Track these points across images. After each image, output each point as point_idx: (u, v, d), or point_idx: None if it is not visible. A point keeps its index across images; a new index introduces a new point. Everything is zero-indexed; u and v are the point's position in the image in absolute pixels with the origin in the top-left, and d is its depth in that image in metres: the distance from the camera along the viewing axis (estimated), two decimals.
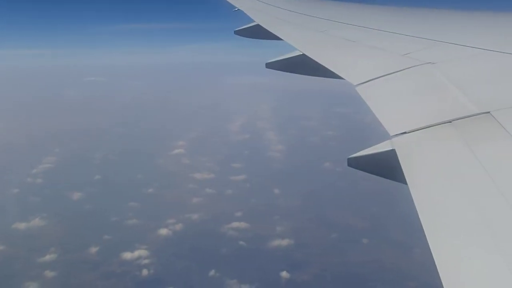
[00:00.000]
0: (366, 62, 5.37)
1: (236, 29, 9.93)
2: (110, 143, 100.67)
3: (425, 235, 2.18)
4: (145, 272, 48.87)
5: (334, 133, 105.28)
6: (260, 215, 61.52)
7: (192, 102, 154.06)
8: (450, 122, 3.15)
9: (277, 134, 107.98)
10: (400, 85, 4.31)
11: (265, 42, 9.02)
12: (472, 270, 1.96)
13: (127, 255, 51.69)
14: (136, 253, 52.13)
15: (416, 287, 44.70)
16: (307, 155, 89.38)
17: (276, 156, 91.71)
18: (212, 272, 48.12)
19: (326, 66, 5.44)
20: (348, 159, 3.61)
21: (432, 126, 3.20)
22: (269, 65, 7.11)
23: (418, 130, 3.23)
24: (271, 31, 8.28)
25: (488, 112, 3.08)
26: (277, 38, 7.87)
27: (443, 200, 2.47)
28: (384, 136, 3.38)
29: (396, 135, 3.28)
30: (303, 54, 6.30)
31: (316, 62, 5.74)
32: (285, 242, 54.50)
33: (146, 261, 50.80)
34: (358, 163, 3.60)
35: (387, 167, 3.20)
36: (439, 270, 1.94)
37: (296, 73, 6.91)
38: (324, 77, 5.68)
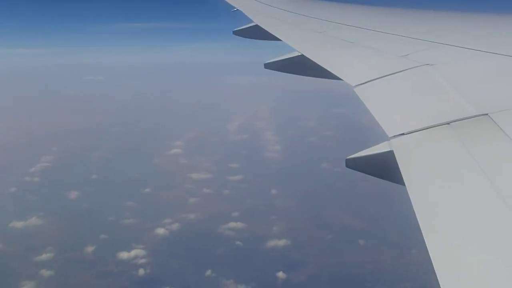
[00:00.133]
0: (365, 63, 5.38)
1: (235, 29, 9.94)
2: (108, 143, 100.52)
3: (422, 237, 2.18)
4: (141, 271, 48.84)
5: (332, 134, 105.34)
6: (257, 215, 61.51)
7: (191, 101, 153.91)
8: (448, 123, 3.15)
9: (275, 135, 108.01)
10: (399, 87, 4.32)
11: (263, 43, 9.03)
12: (470, 272, 1.96)
13: (124, 255, 51.64)
14: (133, 252, 52.09)
15: None
16: (305, 156, 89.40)
17: (274, 157, 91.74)
18: (208, 272, 48.11)
19: (325, 67, 5.45)
20: (346, 160, 3.61)
21: (430, 127, 3.20)
22: (268, 66, 7.12)
23: (416, 131, 3.23)
24: (269, 31, 8.29)
25: (486, 114, 3.08)
26: (276, 39, 7.88)
27: (441, 201, 2.47)
28: (382, 137, 3.39)
29: (394, 136, 3.28)
30: (302, 55, 6.31)
31: (315, 63, 5.74)
32: (282, 242, 54.51)
33: (142, 260, 50.76)
34: (356, 164, 3.60)
35: (385, 168, 3.20)
36: (436, 272, 1.94)
37: (294, 74, 6.92)
38: (323, 78, 5.69)
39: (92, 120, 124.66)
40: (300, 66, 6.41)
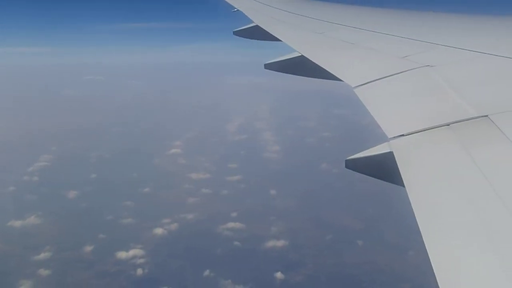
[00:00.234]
0: (365, 64, 5.38)
1: (235, 29, 9.94)
2: (107, 142, 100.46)
3: (420, 238, 2.18)
4: (139, 271, 48.79)
5: (332, 135, 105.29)
6: (256, 215, 61.49)
7: (190, 102, 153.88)
8: (448, 125, 3.15)
9: (274, 135, 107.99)
10: (399, 88, 4.32)
11: (263, 43, 9.03)
12: (469, 273, 1.96)
13: (122, 254, 51.60)
14: (131, 252, 52.05)
15: None
16: (304, 156, 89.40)
17: (273, 157, 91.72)
18: (206, 272, 48.07)
19: (325, 68, 5.45)
20: (346, 160, 3.61)
21: (430, 129, 3.20)
22: (268, 66, 7.12)
23: (416, 132, 3.23)
24: (269, 32, 8.29)
25: (486, 116, 3.08)
26: (276, 39, 7.88)
27: (440, 203, 2.47)
28: (382, 138, 3.39)
29: (394, 137, 3.29)
30: (302, 56, 6.31)
31: (315, 64, 5.75)
32: (280, 243, 54.49)
33: (141, 260, 50.72)
34: (355, 165, 3.60)
35: (384, 169, 3.20)
36: (436, 273, 1.94)
37: (294, 74, 6.92)
38: (323, 78, 5.69)
39: (92, 119, 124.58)
40: (300, 66, 6.41)
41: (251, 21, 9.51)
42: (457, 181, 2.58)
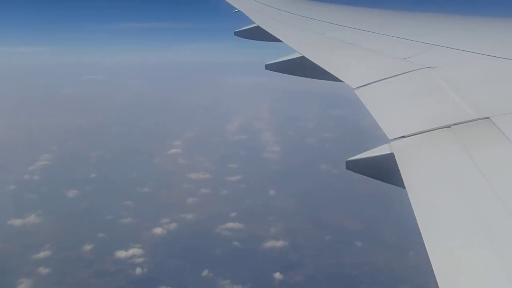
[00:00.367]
0: (366, 65, 5.37)
1: (236, 30, 9.93)
2: (107, 142, 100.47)
3: (420, 239, 2.18)
4: (138, 270, 48.80)
5: (332, 136, 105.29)
6: (255, 216, 61.50)
7: (191, 102, 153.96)
8: (449, 127, 3.15)
9: (274, 135, 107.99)
10: (399, 89, 4.31)
11: (264, 44, 9.03)
12: (470, 275, 1.96)
13: (121, 254, 51.60)
14: (130, 251, 52.06)
15: None
16: (304, 157, 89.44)
17: (273, 157, 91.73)
18: (205, 272, 48.07)
19: (326, 69, 5.44)
20: (347, 162, 3.61)
21: (431, 130, 3.20)
22: (269, 67, 7.11)
23: (417, 134, 3.23)
24: (270, 32, 8.29)
25: (488, 118, 3.08)
26: (277, 40, 7.88)
27: (441, 204, 2.47)
28: (382, 139, 3.38)
29: (395, 139, 3.28)
30: (303, 56, 6.30)
31: (316, 65, 5.74)
32: (279, 243, 54.49)
33: (140, 260, 50.72)
34: (356, 166, 3.60)
35: (385, 170, 3.19)
36: (436, 274, 1.94)
37: (295, 75, 6.92)
38: (323, 79, 5.68)
39: (92, 119, 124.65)
40: (301, 67, 6.40)
41: (252, 22, 9.51)
42: (458, 183, 2.57)
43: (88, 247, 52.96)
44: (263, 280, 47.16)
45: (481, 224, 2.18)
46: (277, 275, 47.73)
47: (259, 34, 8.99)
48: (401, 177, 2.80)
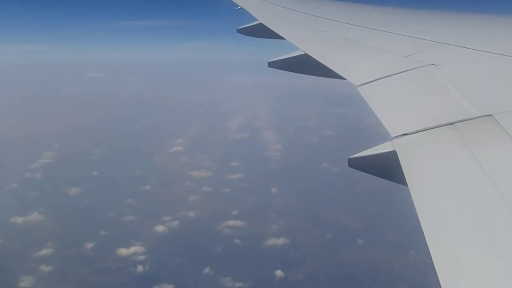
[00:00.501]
0: (368, 63, 5.37)
1: (239, 27, 9.92)
2: (109, 140, 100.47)
3: (421, 237, 2.18)
4: (140, 268, 48.86)
5: (334, 133, 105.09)
6: (257, 214, 61.50)
7: (192, 100, 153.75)
8: (452, 124, 3.15)
9: (276, 133, 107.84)
10: (402, 87, 4.31)
11: (267, 41, 9.01)
12: (471, 273, 1.96)
13: (123, 251, 51.66)
14: (132, 249, 52.11)
15: None
16: (305, 155, 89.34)
17: (274, 155, 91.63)
18: (206, 270, 48.13)
19: (328, 66, 5.44)
20: (349, 159, 3.61)
21: (433, 128, 3.20)
22: (271, 64, 7.11)
23: (419, 132, 3.22)
24: (273, 30, 8.28)
25: (490, 115, 3.08)
26: (280, 37, 7.87)
27: (443, 202, 2.47)
28: (385, 137, 3.38)
29: (397, 136, 3.28)
30: (306, 54, 6.29)
31: (318, 62, 5.74)
32: (280, 241, 54.49)
33: (141, 257, 50.77)
34: (358, 164, 3.60)
35: (387, 168, 3.19)
36: (438, 272, 1.94)
37: (298, 73, 6.91)
38: (326, 77, 5.68)
39: (94, 117, 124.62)
40: (304, 65, 6.39)
41: (255, 19, 9.49)
42: (461, 181, 2.57)
43: (90, 245, 53.03)
44: (264, 278, 47.21)
45: (483, 222, 2.18)
46: (278, 273, 47.75)
47: (262, 32, 8.98)
48: (403, 175, 2.80)
